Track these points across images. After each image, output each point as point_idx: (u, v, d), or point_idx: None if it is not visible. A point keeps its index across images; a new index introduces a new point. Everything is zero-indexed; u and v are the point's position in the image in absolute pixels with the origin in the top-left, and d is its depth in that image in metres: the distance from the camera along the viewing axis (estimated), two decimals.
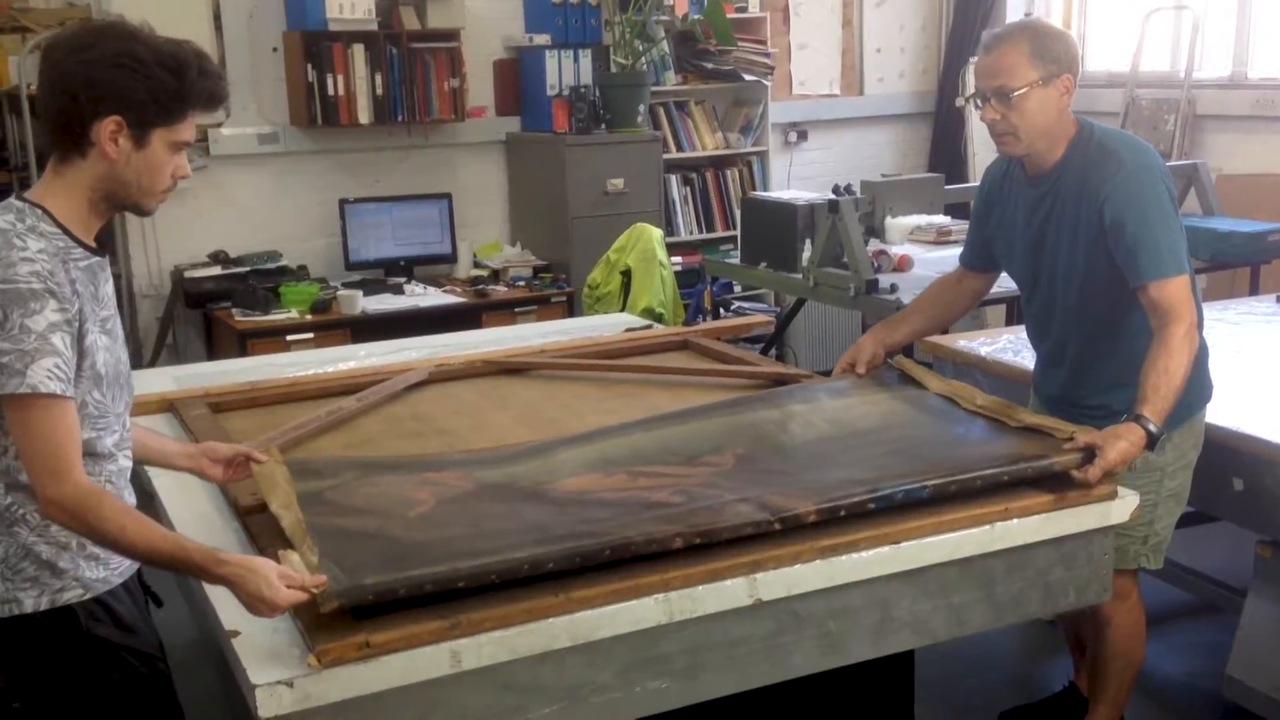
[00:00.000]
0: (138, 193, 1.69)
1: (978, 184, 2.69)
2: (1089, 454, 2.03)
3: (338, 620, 1.57)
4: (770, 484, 1.98)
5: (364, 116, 5.02)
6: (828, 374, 2.71)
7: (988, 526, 1.96)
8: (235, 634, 1.61)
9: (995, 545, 1.97)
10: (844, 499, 1.91)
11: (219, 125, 5.00)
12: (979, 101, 2.31)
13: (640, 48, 5.40)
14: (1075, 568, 2.07)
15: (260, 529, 1.90)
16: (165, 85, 1.63)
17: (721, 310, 5.40)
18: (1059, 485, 2.03)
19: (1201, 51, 5.54)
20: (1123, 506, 2.06)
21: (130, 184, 1.67)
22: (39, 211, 1.64)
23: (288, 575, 1.57)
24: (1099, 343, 2.40)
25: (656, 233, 4.60)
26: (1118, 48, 6.07)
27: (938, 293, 2.69)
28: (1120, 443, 2.04)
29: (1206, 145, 5.45)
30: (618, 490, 1.99)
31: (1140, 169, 2.28)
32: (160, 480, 2.21)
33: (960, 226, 4.37)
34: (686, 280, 5.24)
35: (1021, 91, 2.25)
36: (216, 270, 4.89)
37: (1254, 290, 4.44)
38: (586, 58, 5.40)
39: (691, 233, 5.86)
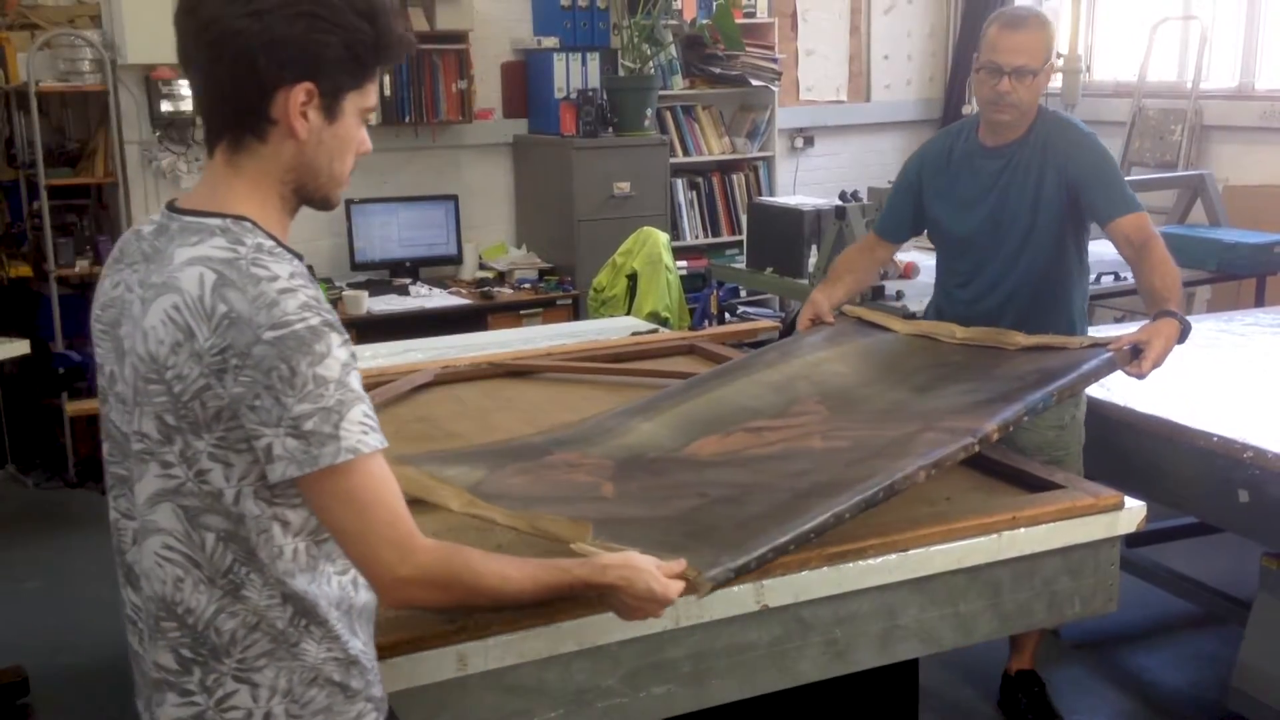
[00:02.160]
0: (328, 181, 1.35)
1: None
2: (1134, 350, 2.23)
3: None
4: (904, 417, 2.04)
5: (371, 117, 5.00)
6: None
7: (995, 535, 1.95)
8: None
9: (1003, 554, 1.97)
10: (1001, 416, 1.97)
11: None
12: (992, 74, 2.55)
13: (648, 51, 5.41)
14: (1082, 578, 2.06)
15: None
16: (362, 35, 1.28)
17: (727, 315, 5.39)
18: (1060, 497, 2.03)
19: (1209, 62, 5.54)
20: (1129, 516, 2.06)
21: (321, 170, 1.33)
22: (247, 224, 1.28)
23: (664, 567, 1.42)
24: (1039, 293, 2.68)
25: (663, 236, 4.60)
26: (1125, 58, 6.07)
27: (856, 259, 2.88)
28: (1160, 337, 2.24)
29: (1213, 156, 5.45)
30: (763, 446, 1.99)
31: (1092, 135, 2.67)
32: None
33: None
34: (692, 284, 5.24)
35: (1038, 73, 2.56)
36: None
37: (1260, 301, 4.43)
38: (594, 61, 5.40)
39: (697, 237, 5.87)
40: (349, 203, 5.15)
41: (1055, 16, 6.33)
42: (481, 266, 5.44)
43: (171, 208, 1.33)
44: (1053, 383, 2.13)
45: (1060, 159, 2.60)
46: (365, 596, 1.36)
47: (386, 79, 5.00)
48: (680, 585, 1.43)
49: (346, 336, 1.25)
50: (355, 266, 5.16)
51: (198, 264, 1.23)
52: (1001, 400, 2.08)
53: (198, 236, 1.26)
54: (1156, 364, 2.23)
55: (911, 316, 2.93)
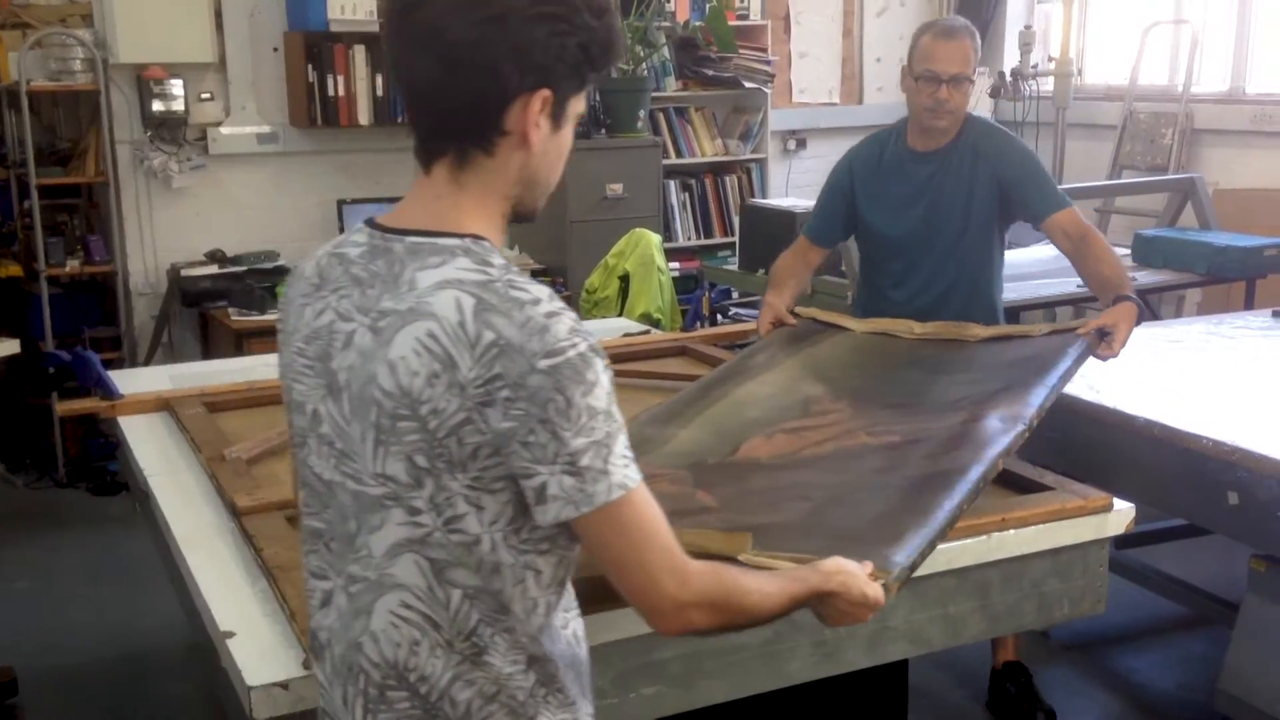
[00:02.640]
0: (544, 193, 1.27)
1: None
2: (1100, 334, 2.37)
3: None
4: (937, 409, 2.11)
5: (364, 117, 5.02)
6: None
7: (984, 537, 1.96)
8: (230, 635, 1.60)
9: (992, 555, 1.97)
10: (1034, 403, 2.05)
11: (218, 124, 5.00)
12: (930, 82, 2.65)
13: (641, 53, 5.41)
14: (1071, 579, 2.07)
15: (256, 530, 1.89)
16: (596, 36, 1.19)
17: (719, 316, 5.39)
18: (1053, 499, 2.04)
19: (1200, 66, 5.56)
20: (1118, 518, 2.07)
21: (541, 180, 1.25)
22: (485, 243, 1.18)
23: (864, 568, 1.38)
24: (968, 291, 2.81)
25: (655, 238, 4.60)
26: (1116, 61, 6.09)
27: (793, 265, 2.90)
28: (1125, 320, 2.39)
29: (1204, 159, 5.47)
30: (814, 446, 2.02)
31: (1018, 138, 2.85)
32: (156, 482, 2.20)
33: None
34: (684, 286, 5.24)
35: (971, 80, 2.70)
36: (213, 269, 4.89)
37: (1250, 304, 4.45)
38: None
39: (690, 238, 5.87)
40: (341, 203, 5.15)
41: (1047, 20, 6.37)
42: None
43: (376, 227, 1.22)
44: (1054, 369, 2.22)
45: (992, 162, 2.72)
46: (585, 652, 1.29)
47: (379, 79, 5.00)
48: (880, 588, 1.39)
49: (605, 359, 1.14)
50: None
51: (450, 287, 1.12)
52: (1020, 387, 2.15)
53: (439, 258, 1.15)
54: (1124, 345, 2.38)
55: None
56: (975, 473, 1.83)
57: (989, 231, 2.79)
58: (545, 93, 1.17)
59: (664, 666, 1.75)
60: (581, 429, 1.10)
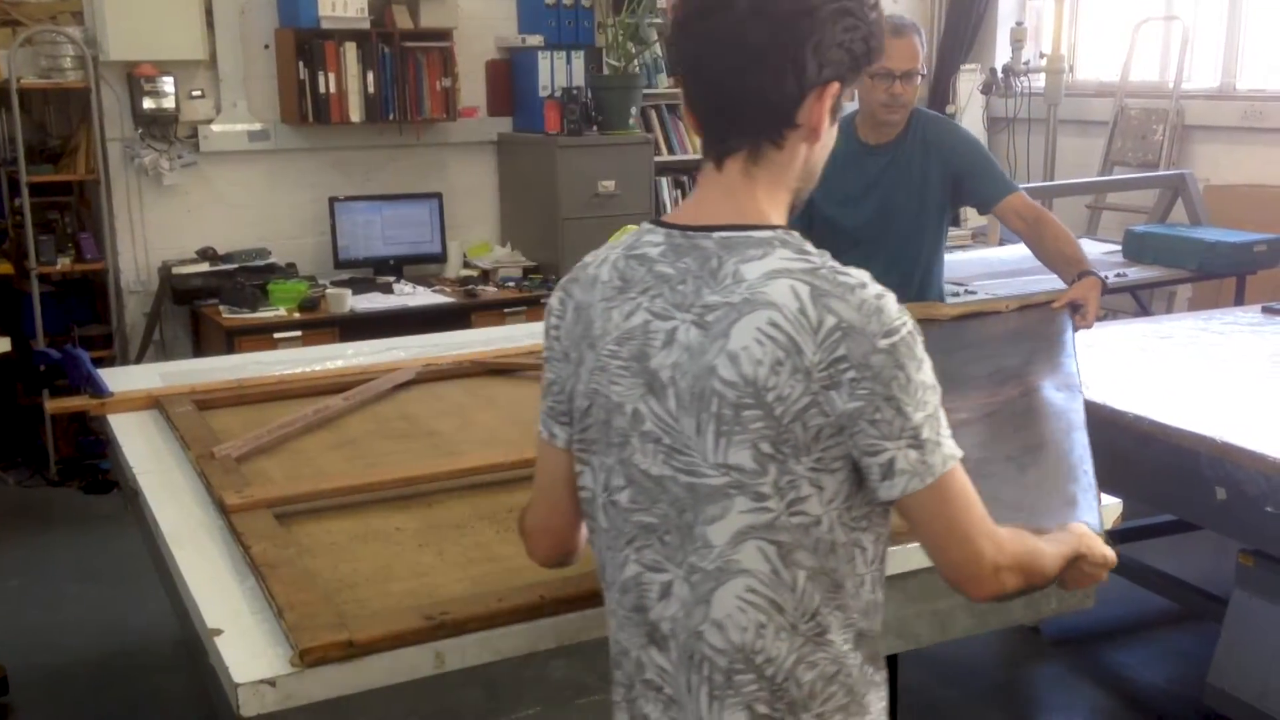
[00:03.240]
0: (814, 184, 1.31)
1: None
2: (1073, 307, 2.49)
3: (321, 619, 1.57)
4: (986, 384, 2.19)
5: (355, 115, 5.01)
6: None
7: None
8: (218, 632, 1.60)
9: None
10: (1070, 370, 2.18)
11: (209, 122, 4.99)
12: (884, 78, 2.75)
13: (633, 50, 5.41)
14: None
15: (244, 527, 1.89)
16: (873, 30, 1.23)
17: None
18: None
19: (1191, 62, 5.57)
20: (1106, 514, 2.06)
21: (816, 172, 1.29)
22: (795, 234, 1.22)
23: None
24: (921, 277, 2.95)
25: None
26: (1108, 57, 6.10)
27: None
28: (1094, 293, 2.52)
29: (1194, 155, 5.48)
30: None
31: (961, 128, 3.01)
32: (145, 479, 2.20)
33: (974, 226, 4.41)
34: None
35: (922, 74, 2.81)
36: (205, 267, 4.89)
37: (1239, 300, 4.46)
38: (579, 59, 5.40)
39: None
40: (332, 200, 5.14)
41: (1039, 17, 6.37)
42: (466, 265, 5.43)
43: (668, 225, 1.25)
44: (1063, 341, 2.36)
45: (944, 152, 2.85)
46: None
47: (370, 77, 4.99)
48: (1110, 548, 1.41)
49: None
50: (339, 264, 5.15)
51: (782, 277, 1.16)
52: (1045, 358, 2.27)
53: (758, 250, 1.18)
54: (1095, 316, 2.54)
55: None
56: (1083, 435, 1.91)
57: (940, 219, 2.94)
58: (835, 86, 1.22)
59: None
60: (919, 403, 1.15)
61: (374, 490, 2.07)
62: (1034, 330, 2.44)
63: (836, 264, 1.19)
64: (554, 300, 1.34)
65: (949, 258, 3.61)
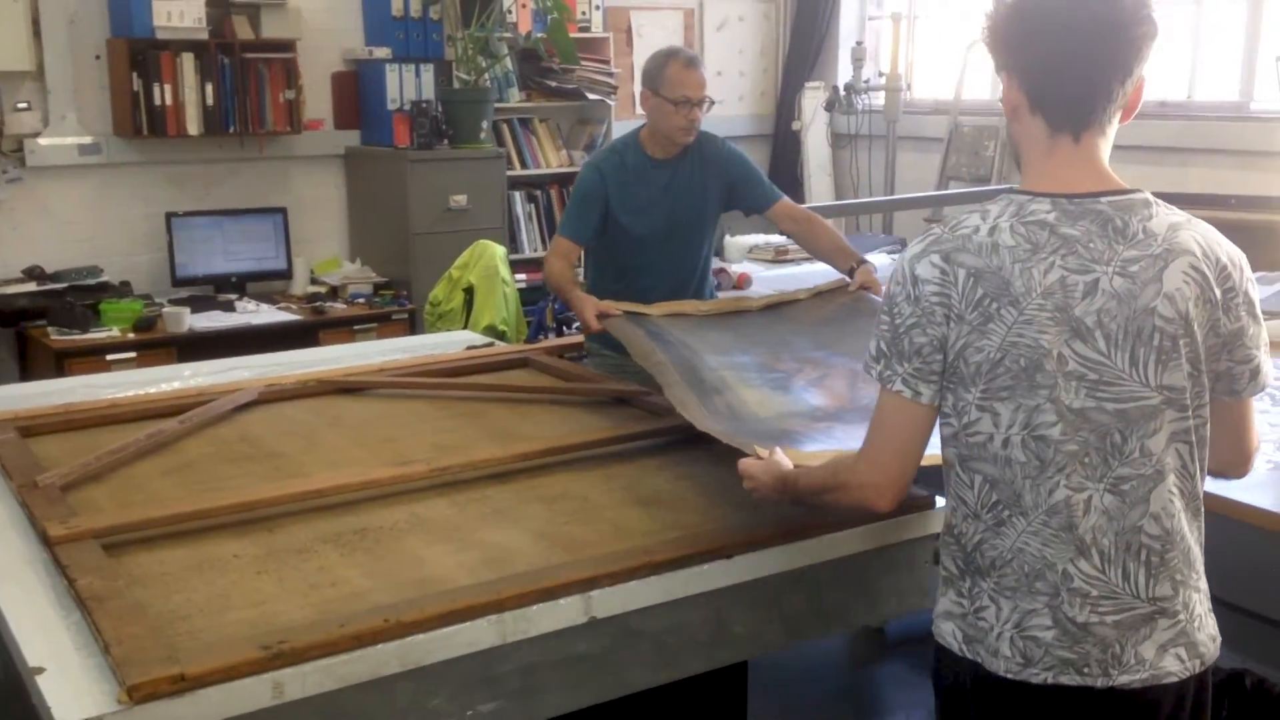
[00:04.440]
0: None
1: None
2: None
3: (151, 653, 1.50)
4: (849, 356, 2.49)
5: (193, 127, 4.85)
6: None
7: (816, 539, 2.00)
8: (40, 670, 1.52)
9: (824, 555, 2.02)
10: None
11: (36, 135, 4.75)
12: (684, 105, 3.07)
13: (483, 64, 5.38)
14: (898, 576, 2.14)
15: (69, 560, 1.80)
16: None
17: (564, 328, 5.40)
18: None
19: None
20: (939, 516, 2.14)
21: None
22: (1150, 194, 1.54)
23: None
24: (699, 279, 3.27)
25: (500, 250, 4.58)
26: (943, 77, 6.35)
27: (566, 267, 3.20)
28: (875, 278, 2.91)
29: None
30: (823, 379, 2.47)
31: (726, 141, 3.29)
32: None
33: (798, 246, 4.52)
34: (529, 297, 5.22)
35: (711, 101, 3.15)
36: (31, 287, 4.65)
37: None
38: (429, 72, 5.35)
39: (535, 250, 5.85)
40: (170, 216, 4.96)
41: (878, 37, 6.60)
42: (313, 281, 5.31)
43: (1042, 195, 1.50)
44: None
45: (720, 164, 3.19)
46: None
47: (209, 88, 4.84)
48: None
49: None
50: (177, 282, 4.97)
51: (1181, 229, 1.49)
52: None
53: (1146, 210, 1.49)
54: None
55: None
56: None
57: (714, 226, 3.30)
58: (1141, 73, 1.49)
59: (503, 681, 1.74)
60: (1257, 317, 1.53)
61: (210, 516, 2.00)
62: (852, 311, 2.79)
63: (1192, 215, 1.52)
64: (925, 270, 1.50)
65: (773, 272, 4.02)
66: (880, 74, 6.16)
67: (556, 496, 2.18)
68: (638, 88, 6.37)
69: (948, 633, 1.60)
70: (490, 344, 3.54)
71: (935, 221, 5.93)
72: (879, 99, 6.07)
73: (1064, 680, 1.50)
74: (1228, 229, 1.81)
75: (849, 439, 1.96)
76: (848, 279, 2.98)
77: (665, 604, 1.87)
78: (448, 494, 2.18)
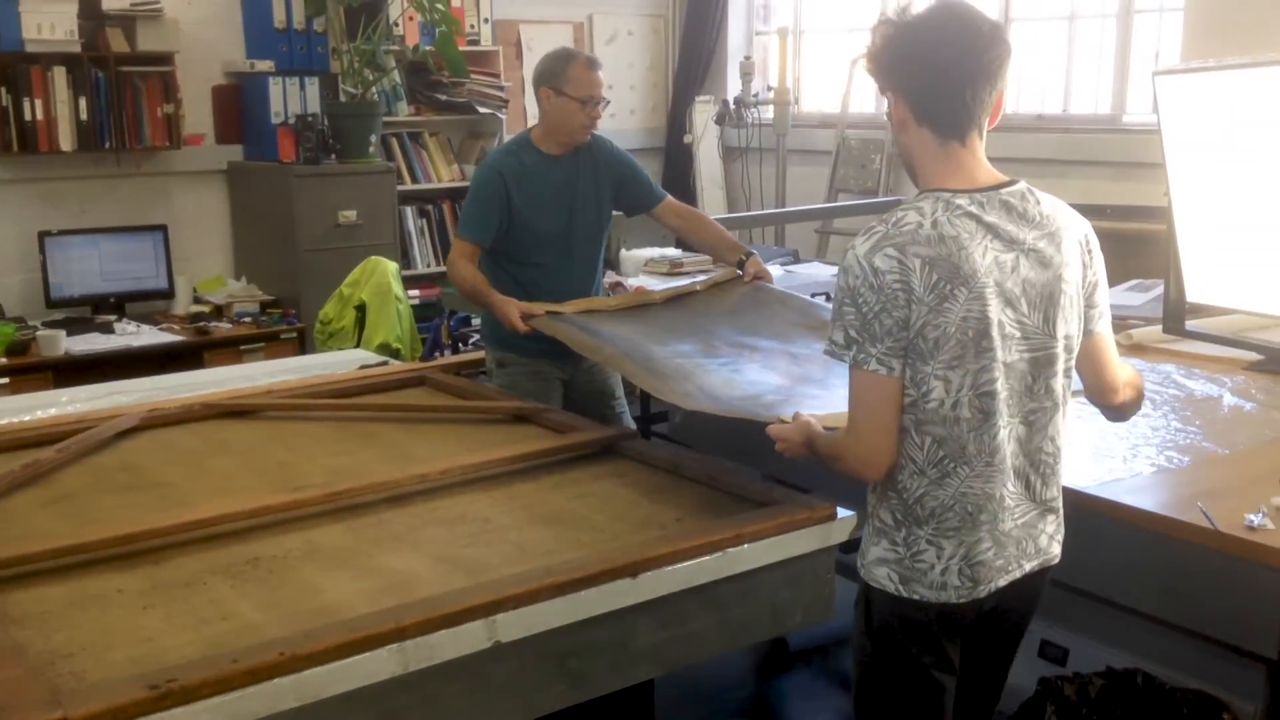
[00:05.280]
0: None
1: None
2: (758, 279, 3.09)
3: (30, 697, 1.42)
4: (775, 338, 2.74)
5: (66, 143, 4.67)
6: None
7: (721, 553, 2.00)
8: None
9: (727, 571, 2.02)
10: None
11: None
12: (588, 103, 3.14)
13: (370, 77, 5.30)
14: (801, 588, 2.15)
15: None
16: None
17: (460, 345, 5.33)
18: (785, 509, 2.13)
19: None
20: (842, 527, 2.17)
21: None
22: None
23: None
24: (595, 274, 3.34)
25: (392, 265, 4.50)
26: (829, 91, 6.47)
27: (476, 270, 3.19)
28: (763, 268, 3.14)
29: (906, 182, 5.81)
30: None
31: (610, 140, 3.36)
32: None
33: (693, 258, 4.55)
34: (424, 314, 5.15)
35: (605, 101, 3.22)
36: None
37: None
38: (314, 86, 5.24)
39: (429, 265, 5.78)
40: (42, 235, 4.76)
41: (766, 51, 6.69)
42: (197, 300, 5.15)
43: (959, 192, 1.74)
44: (784, 297, 3.00)
45: (609, 162, 3.27)
46: None
47: (83, 103, 4.66)
48: None
49: None
50: (51, 304, 4.77)
51: (1059, 208, 1.82)
52: (787, 312, 2.91)
53: (1033, 196, 1.78)
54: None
55: None
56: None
57: (608, 222, 3.34)
58: (1002, 85, 1.77)
59: (405, 711, 1.69)
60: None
61: (91, 550, 1.91)
62: (755, 300, 2.97)
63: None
64: (883, 262, 1.69)
65: (671, 284, 3.80)
66: (769, 88, 6.23)
67: (456, 518, 2.15)
68: (529, 101, 6.37)
69: (882, 576, 1.83)
70: (384, 362, 3.47)
71: (827, 233, 6.03)
72: (768, 113, 6.14)
73: (999, 583, 1.80)
74: (1105, 238, 1.93)
75: (837, 404, 2.05)
76: (738, 270, 3.13)
77: (571, 625, 1.85)
78: (343, 519, 2.12)
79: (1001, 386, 1.74)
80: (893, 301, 1.68)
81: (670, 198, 3.35)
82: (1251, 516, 1.99)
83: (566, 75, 3.14)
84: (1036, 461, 1.82)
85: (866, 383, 1.73)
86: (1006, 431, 1.77)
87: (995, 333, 1.72)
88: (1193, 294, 3.20)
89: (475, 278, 3.12)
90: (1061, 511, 1.89)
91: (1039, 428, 1.81)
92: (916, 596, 1.79)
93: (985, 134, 1.79)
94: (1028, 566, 1.84)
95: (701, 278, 3.31)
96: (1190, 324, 3.24)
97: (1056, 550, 1.88)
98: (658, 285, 4.50)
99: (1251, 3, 4.19)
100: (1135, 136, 4.81)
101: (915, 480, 1.77)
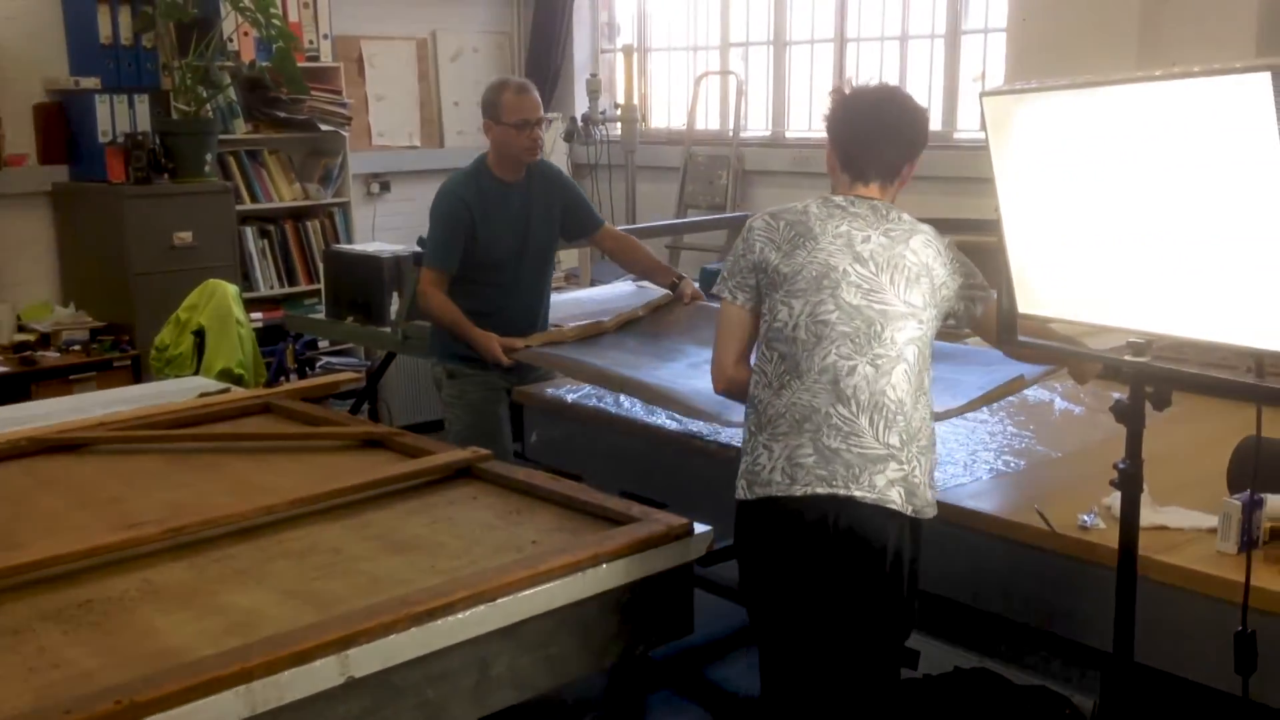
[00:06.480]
0: None
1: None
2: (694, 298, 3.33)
3: None
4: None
5: None
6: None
7: (579, 574, 2.00)
8: None
9: (587, 591, 2.02)
10: None
11: None
12: (525, 126, 3.25)
13: (204, 94, 5.12)
14: (663, 602, 2.16)
15: None
16: None
17: (307, 369, 5.19)
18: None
19: (746, 113, 6.11)
20: (699, 542, 2.19)
21: None
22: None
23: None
24: (548, 294, 3.52)
25: (232, 288, 4.35)
26: (676, 108, 6.55)
27: (448, 300, 3.30)
28: (696, 288, 3.37)
29: (753, 199, 5.99)
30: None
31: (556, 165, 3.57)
32: None
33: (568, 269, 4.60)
34: (268, 338, 4.99)
35: (548, 121, 3.49)
36: None
37: None
38: (144, 103, 5.04)
39: (272, 287, 5.61)
40: None
41: (612, 69, 6.74)
42: (21, 329, 4.87)
43: (846, 197, 2.15)
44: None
45: (558, 187, 3.44)
46: None
47: None
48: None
49: None
50: None
51: (918, 225, 2.15)
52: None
53: (898, 213, 2.15)
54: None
55: None
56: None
57: (556, 244, 3.52)
58: (914, 163, 2.22)
59: None
60: None
61: None
62: (702, 317, 3.12)
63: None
64: (760, 223, 2.16)
65: (564, 296, 4.08)
66: (616, 105, 6.28)
67: (305, 550, 2.08)
68: (374, 117, 6.32)
69: (741, 487, 2.09)
70: (226, 389, 3.35)
71: (678, 248, 6.10)
72: (616, 129, 6.18)
73: (818, 490, 2.01)
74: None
75: None
76: (670, 292, 3.39)
77: (426, 656, 1.81)
78: (184, 556, 2.04)
79: (838, 320, 2.06)
80: (751, 249, 2.14)
81: (608, 224, 3.56)
82: (1085, 517, 2.09)
83: (500, 104, 3.27)
84: (880, 404, 2.04)
85: (723, 309, 2.20)
86: (847, 362, 2.05)
87: (837, 277, 2.07)
88: (1023, 305, 3.34)
89: (453, 311, 3.26)
90: (909, 471, 2.03)
91: (884, 372, 2.05)
92: (755, 496, 2.06)
93: (894, 191, 2.19)
94: (856, 493, 2.00)
95: (640, 304, 3.44)
96: (1023, 337, 3.36)
97: (895, 498, 2.01)
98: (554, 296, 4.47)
99: (1069, 24, 4.42)
100: (966, 152, 5.01)
101: (764, 392, 2.10)
